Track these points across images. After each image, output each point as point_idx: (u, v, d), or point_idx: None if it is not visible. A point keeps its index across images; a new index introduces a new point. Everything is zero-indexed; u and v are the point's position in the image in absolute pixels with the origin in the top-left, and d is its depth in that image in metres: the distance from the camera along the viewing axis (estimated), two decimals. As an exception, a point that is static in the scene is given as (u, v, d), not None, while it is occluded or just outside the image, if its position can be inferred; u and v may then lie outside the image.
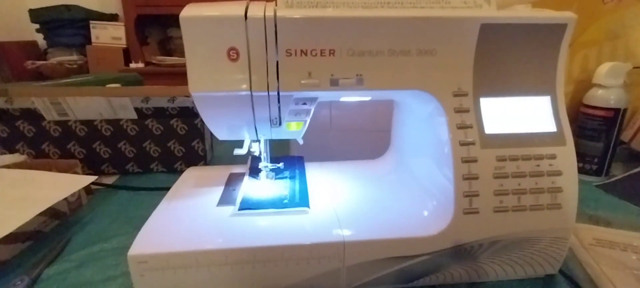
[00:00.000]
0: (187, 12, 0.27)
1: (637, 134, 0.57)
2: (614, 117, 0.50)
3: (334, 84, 0.29)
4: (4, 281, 0.32)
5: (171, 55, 1.65)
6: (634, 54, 0.56)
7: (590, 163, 0.54)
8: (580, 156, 0.54)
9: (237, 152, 0.36)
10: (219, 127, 0.34)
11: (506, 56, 0.30)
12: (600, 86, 0.51)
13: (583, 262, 0.34)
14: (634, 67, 0.53)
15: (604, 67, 0.50)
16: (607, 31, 0.56)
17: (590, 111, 0.52)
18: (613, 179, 0.53)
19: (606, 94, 0.51)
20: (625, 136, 0.58)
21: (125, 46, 1.59)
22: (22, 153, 0.53)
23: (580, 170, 0.54)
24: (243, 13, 0.27)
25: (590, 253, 0.35)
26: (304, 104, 0.31)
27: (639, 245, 0.36)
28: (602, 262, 0.34)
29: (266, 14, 0.27)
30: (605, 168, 0.53)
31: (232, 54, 0.28)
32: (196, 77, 0.28)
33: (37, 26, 1.54)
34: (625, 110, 0.50)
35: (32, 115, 0.51)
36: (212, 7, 0.28)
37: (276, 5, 0.29)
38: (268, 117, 0.31)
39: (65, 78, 1.11)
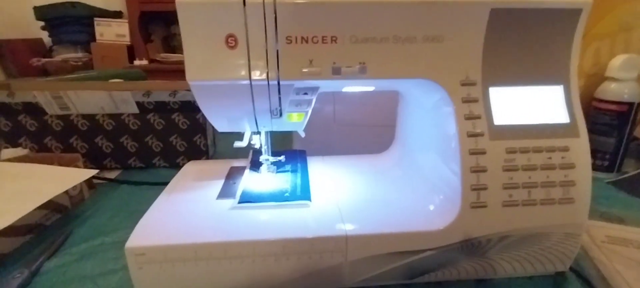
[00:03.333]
0: (185, -2, 0.26)
1: (650, 129, 0.55)
2: (628, 112, 0.49)
3: (336, 72, 0.28)
4: (3, 274, 0.32)
5: (175, 53, 1.65)
6: (649, 46, 0.54)
7: (601, 159, 0.52)
8: (592, 152, 0.52)
9: (238, 144, 0.36)
10: (219, 118, 0.33)
11: (517, 43, 0.29)
12: (613, 80, 0.49)
13: (595, 259, 0.33)
14: (649, 60, 0.51)
15: (618, 60, 0.48)
16: (620, 23, 0.54)
17: (603, 105, 0.50)
18: (625, 176, 0.51)
19: (619, 87, 0.49)
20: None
21: (129, 43, 1.59)
22: (25, 148, 0.52)
23: (592, 167, 0.52)
24: (242, -2, 0.26)
25: (602, 251, 0.34)
26: (305, 93, 0.30)
27: (654, 243, 0.35)
28: (615, 260, 0.32)
29: (266, -1, 0.26)
30: (617, 164, 0.52)
31: (231, 41, 0.27)
32: (194, 65, 0.28)
33: (43, 23, 1.55)
34: (639, 104, 0.49)
35: (35, 110, 0.51)
36: (211, -8, 0.27)
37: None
38: (268, 107, 0.30)
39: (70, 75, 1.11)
